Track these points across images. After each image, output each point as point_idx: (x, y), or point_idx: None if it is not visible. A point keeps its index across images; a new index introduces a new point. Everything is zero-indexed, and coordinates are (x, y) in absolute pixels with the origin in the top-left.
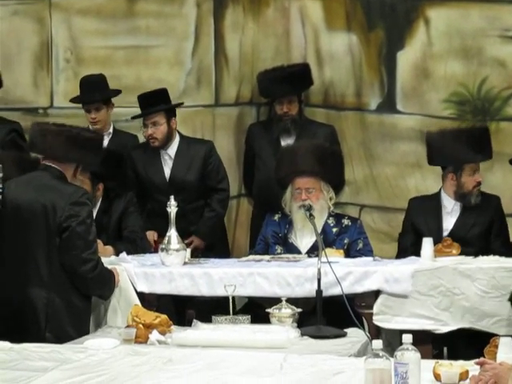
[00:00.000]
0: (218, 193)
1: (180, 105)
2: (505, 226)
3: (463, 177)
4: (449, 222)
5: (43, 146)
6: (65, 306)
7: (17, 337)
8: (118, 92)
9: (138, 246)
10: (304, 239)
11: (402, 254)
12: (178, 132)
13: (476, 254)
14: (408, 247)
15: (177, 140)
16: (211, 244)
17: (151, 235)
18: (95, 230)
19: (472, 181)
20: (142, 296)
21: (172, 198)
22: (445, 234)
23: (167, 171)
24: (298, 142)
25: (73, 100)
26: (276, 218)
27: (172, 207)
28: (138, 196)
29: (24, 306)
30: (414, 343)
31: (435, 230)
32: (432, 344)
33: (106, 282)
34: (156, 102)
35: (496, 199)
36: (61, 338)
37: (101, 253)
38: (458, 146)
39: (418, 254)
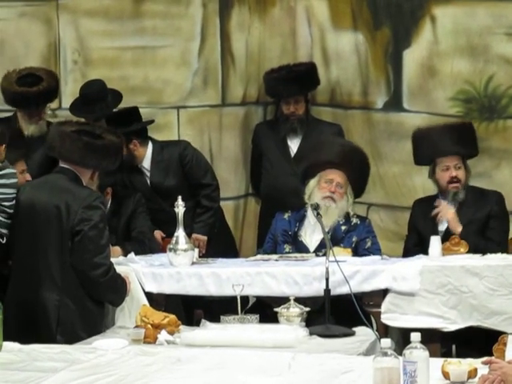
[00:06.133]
0: (204, 189)
1: (136, 129)
2: (504, 222)
3: (437, 173)
4: (443, 223)
5: (61, 149)
6: (77, 310)
7: (29, 339)
8: (117, 101)
9: (147, 247)
10: (314, 236)
11: (405, 254)
12: (151, 139)
13: (474, 252)
14: (410, 248)
15: (149, 150)
16: (210, 238)
17: (158, 234)
18: (108, 235)
19: (445, 176)
20: (150, 296)
21: (180, 198)
22: (440, 235)
23: (149, 181)
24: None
25: (72, 112)
26: (286, 216)
27: (180, 207)
28: None
29: (36, 308)
30: (423, 341)
31: (430, 231)
32: (440, 342)
33: (118, 287)
34: (117, 125)
35: (495, 195)
36: (72, 341)
37: None
38: (433, 142)
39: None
